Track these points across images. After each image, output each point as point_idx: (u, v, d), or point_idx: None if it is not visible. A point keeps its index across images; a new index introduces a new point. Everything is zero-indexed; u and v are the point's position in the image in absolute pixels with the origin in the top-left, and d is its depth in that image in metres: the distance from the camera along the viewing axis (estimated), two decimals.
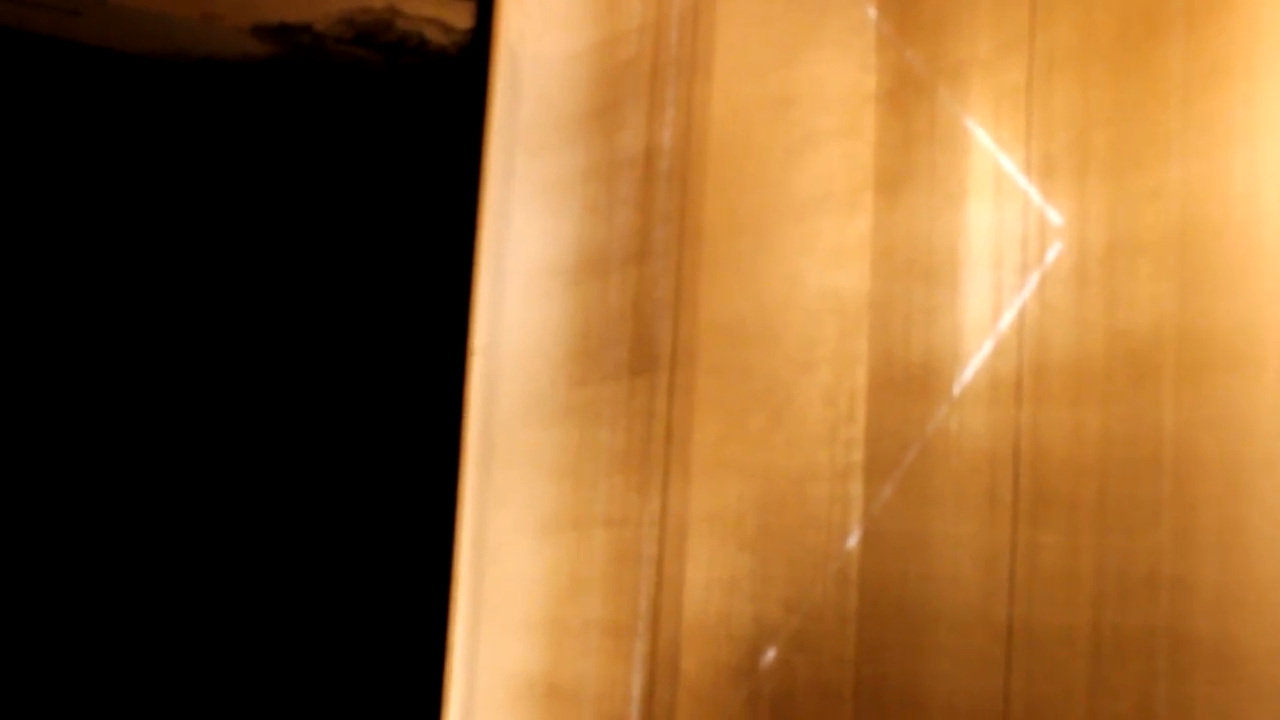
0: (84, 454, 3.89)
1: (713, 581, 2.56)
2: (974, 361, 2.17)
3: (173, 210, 3.95)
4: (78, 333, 3.88)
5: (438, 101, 3.66)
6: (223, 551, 3.96)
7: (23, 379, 3.81)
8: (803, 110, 2.54)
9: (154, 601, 3.91)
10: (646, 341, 2.79)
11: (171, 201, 3.96)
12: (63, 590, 3.83)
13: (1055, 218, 2.09)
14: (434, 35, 3.39)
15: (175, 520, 3.94)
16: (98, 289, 3.89)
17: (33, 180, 3.83)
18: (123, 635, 3.88)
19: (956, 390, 2.17)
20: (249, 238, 4.02)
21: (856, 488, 2.31)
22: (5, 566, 3.73)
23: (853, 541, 2.31)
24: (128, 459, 3.92)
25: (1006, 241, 2.15)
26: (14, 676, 3.73)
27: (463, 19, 3.38)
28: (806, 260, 2.48)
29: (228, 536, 3.97)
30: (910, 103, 2.33)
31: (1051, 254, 2.08)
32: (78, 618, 3.84)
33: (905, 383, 2.26)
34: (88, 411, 3.89)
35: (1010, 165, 2.17)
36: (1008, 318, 2.13)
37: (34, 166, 3.84)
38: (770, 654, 2.42)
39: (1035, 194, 2.12)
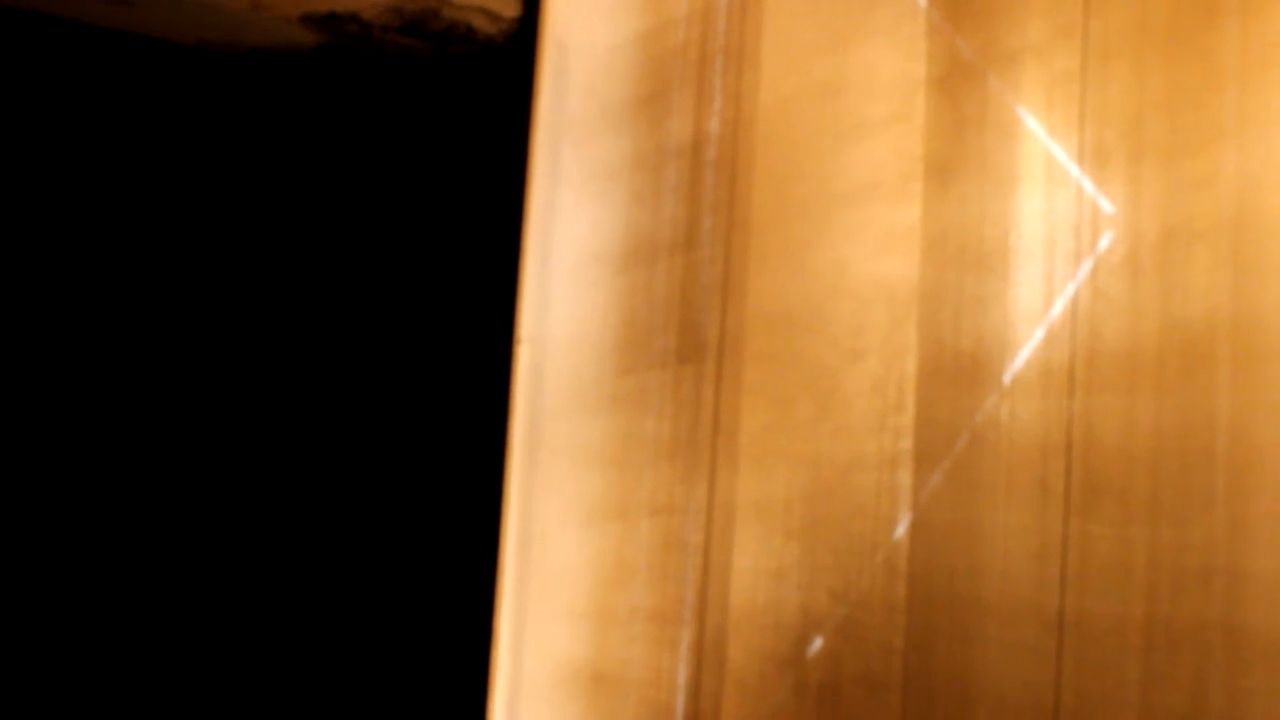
0: (140, 446, 3.92)
1: (759, 570, 2.55)
2: (1025, 350, 2.15)
3: (223, 201, 3.97)
4: (129, 324, 3.91)
5: (485, 90, 3.66)
6: (273, 540, 3.99)
7: (65, 372, 3.85)
8: (852, 98, 2.53)
9: (209, 587, 3.94)
10: (693, 330, 2.79)
11: (222, 192, 3.98)
12: (104, 588, 3.87)
13: (1107, 206, 2.07)
14: (481, 24, 3.40)
15: (229, 509, 3.97)
16: (152, 280, 3.92)
17: (86, 171, 3.86)
18: (187, 613, 3.91)
19: (1007, 379, 2.16)
20: (298, 227, 4.04)
21: (905, 477, 2.30)
22: (43, 567, 3.77)
23: (901, 531, 2.29)
24: (183, 452, 3.95)
25: (1058, 229, 2.13)
26: (49, 679, 3.76)
27: (510, 7, 3.38)
28: (855, 248, 2.47)
29: (278, 526, 3.99)
30: (961, 90, 2.31)
31: (1104, 242, 2.07)
32: (126, 611, 3.87)
33: (955, 372, 2.25)
34: (144, 402, 3.92)
35: (1062, 153, 2.15)
36: (1059, 306, 2.11)
37: (87, 157, 3.87)
38: (817, 643, 2.42)
39: (1087, 182, 2.10)
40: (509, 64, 3.46)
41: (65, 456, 3.85)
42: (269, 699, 3.95)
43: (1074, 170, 2.13)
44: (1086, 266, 2.08)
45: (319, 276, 4.07)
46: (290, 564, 3.99)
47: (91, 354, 3.89)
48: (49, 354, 3.84)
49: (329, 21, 3.33)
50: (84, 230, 3.88)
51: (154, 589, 3.89)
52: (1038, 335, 2.13)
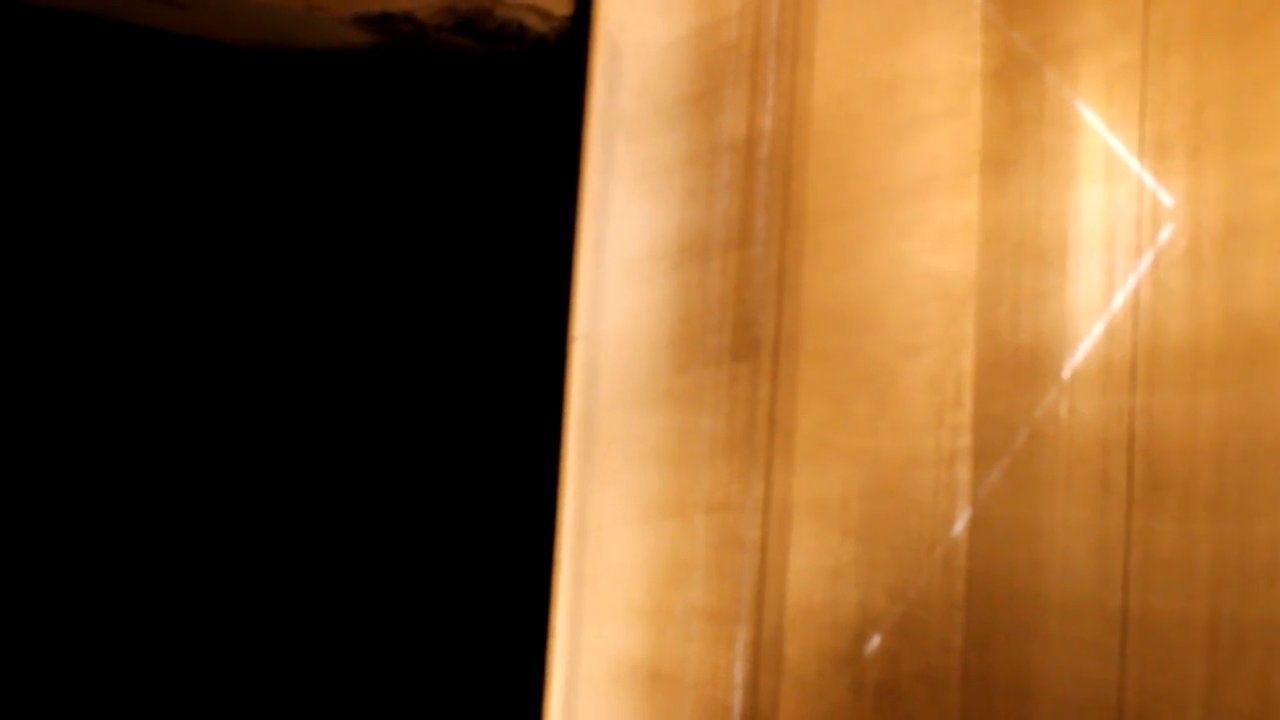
0: (202, 443, 3.94)
1: (817, 568, 2.54)
2: (1084, 345, 2.13)
3: (281, 202, 4.00)
4: (193, 325, 3.94)
5: (537, 89, 3.67)
6: (332, 538, 4.01)
7: (130, 362, 3.88)
8: (907, 93, 2.51)
9: (269, 584, 3.96)
10: (748, 326, 2.78)
11: (279, 193, 4.00)
12: (164, 584, 3.89)
13: (1167, 199, 2.05)
14: (533, 23, 3.40)
15: (290, 503, 3.99)
16: (214, 282, 3.95)
17: (144, 174, 3.89)
18: (247, 610, 3.93)
19: (1067, 374, 2.14)
20: (355, 227, 4.05)
21: (963, 473, 2.29)
22: (80, 566, 3.80)
23: (960, 528, 2.28)
24: (248, 445, 3.97)
25: (1118, 223, 2.11)
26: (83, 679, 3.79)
27: (562, 6, 3.38)
28: (911, 244, 2.46)
29: (337, 524, 4.01)
30: (1018, 83, 2.29)
31: (1164, 235, 2.04)
32: (186, 609, 3.90)
33: (1014, 367, 2.23)
34: (206, 404, 3.95)
35: (1121, 146, 2.13)
36: (1119, 301, 2.09)
37: (145, 161, 3.90)
38: (875, 641, 2.41)
39: (1147, 175, 2.08)
40: (561, 62, 3.46)
41: (120, 454, 3.88)
42: (329, 696, 3.97)
43: (1134, 164, 2.11)
44: (1147, 260, 2.06)
45: (377, 276, 4.08)
46: (349, 562, 4.01)
47: (148, 355, 3.92)
48: (119, 353, 3.88)
49: (382, 22, 3.34)
50: (145, 232, 3.91)
51: (208, 589, 3.92)
52: (1097, 330, 2.11)
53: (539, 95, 3.69)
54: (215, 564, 3.93)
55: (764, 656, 2.63)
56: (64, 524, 3.79)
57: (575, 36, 3.40)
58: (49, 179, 3.84)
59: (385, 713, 3.98)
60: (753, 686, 2.65)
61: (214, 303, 3.97)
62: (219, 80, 3.87)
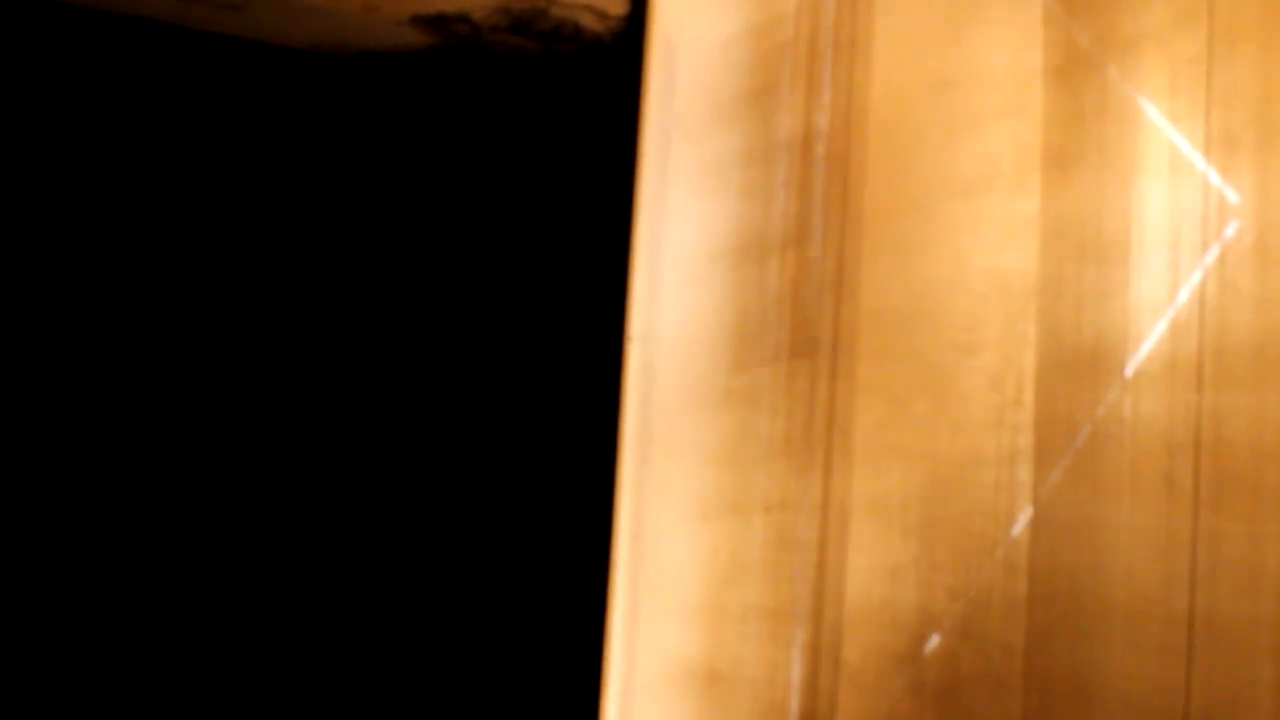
0: (264, 445, 3.97)
1: (875, 568, 2.52)
2: (1148, 344, 2.10)
3: (337, 202, 4.01)
4: (257, 325, 3.96)
5: (593, 89, 3.67)
6: (390, 537, 4.02)
7: (198, 360, 3.90)
8: (966, 89, 2.49)
9: (329, 584, 3.98)
10: (806, 326, 2.77)
11: (337, 193, 4.02)
12: (222, 581, 3.92)
13: (1233, 195, 2.02)
14: (589, 22, 3.40)
15: (348, 505, 4.01)
16: (272, 283, 3.97)
17: (200, 176, 3.92)
18: (305, 612, 3.95)
19: (1130, 373, 2.11)
20: (410, 227, 4.07)
21: (1025, 473, 2.26)
22: (124, 566, 3.82)
23: (1021, 528, 2.26)
24: (307, 447, 3.99)
25: (1183, 220, 2.09)
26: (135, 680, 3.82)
27: (617, 5, 3.38)
28: (971, 242, 2.44)
29: (395, 523, 4.03)
30: (1079, 79, 2.27)
31: (1230, 232, 2.02)
32: (245, 608, 3.92)
33: (1075, 366, 2.21)
34: (264, 401, 3.98)
35: (1185, 141, 2.10)
36: (1184, 299, 2.06)
37: (200, 163, 3.92)
38: (935, 641, 2.39)
39: (1212, 171, 2.05)
40: (616, 62, 3.46)
41: (180, 452, 3.91)
42: (388, 698, 3.98)
43: (1198, 159, 2.08)
44: (1212, 257, 2.03)
45: (435, 277, 4.10)
46: (408, 563, 4.02)
47: (221, 351, 3.94)
48: (174, 350, 3.91)
49: (438, 22, 3.35)
50: (205, 234, 3.94)
51: (271, 589, 3.95)
52: (1161, 328, 2.09)
53: (595, 95, 3.69)
54: (268, 568, 3.96)
55: (822, 656, 2.61)
56: (105, 523, 3.83)
57: (630, 36, 3.40)
58: (108, 182, 3.87)
59: (449, 711, 3.99)
60: (811, 686, 2.64)
61: (276, 305, 4.00)
62: (275, 83, 3.89)
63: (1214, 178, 2.05)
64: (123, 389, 3.87)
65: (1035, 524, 2.23)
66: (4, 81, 3.79)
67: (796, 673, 2.69)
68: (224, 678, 3.88)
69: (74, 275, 3.84)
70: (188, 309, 3.91)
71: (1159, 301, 2.10)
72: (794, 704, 2.69)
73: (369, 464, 4.04)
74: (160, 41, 3.83)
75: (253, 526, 3.94)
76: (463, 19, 3.35)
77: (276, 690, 3.92)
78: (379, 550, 4.01)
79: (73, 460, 3.60)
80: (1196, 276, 2.05)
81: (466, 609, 4.02)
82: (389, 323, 4.07)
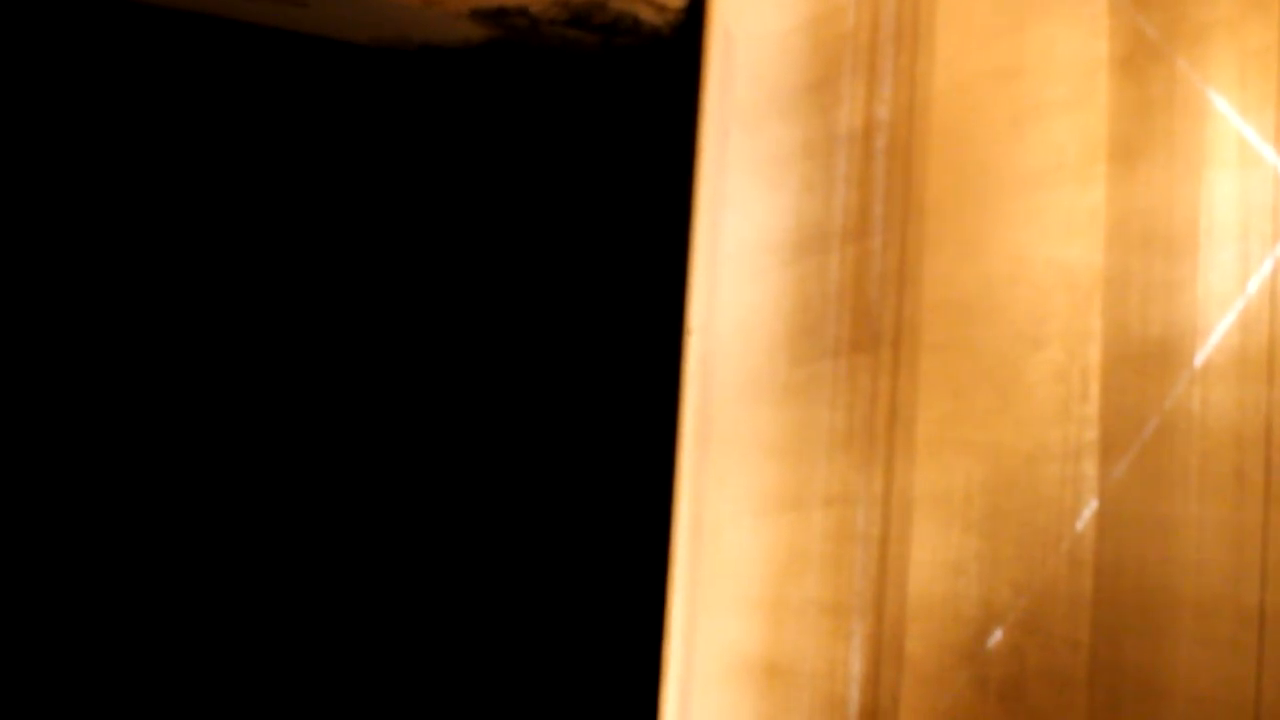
0: (325, 439, 3.99)
1: (938, 563, 2.51)
2: (1216, 337, 2.08)
3: (400, 195, 4.03)
4: (312, 320, 3.99)
5: (651, 82, 3.67)
6: (452, 531, 4.04)
7: (261, 355, 3.93)
8: (1030, 80, 2.47)
9: (388, 576, 4.01)
10: (868, 319, 2.76)
11: (400, 187, 4.04)
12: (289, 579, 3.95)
13: None
14: (647, 15, 3.40)
15: (412, 496, 4.03)
16: (334, 278, 3.99)
17: (263, 173, 3.94)
18: (361, 607, 3.98)
19: (1199, 366, 2.09)
20: (469, 221, 4.08)
21: (1090, 467, 2.25)
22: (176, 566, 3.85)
23: (1086, 523, 2.24)
24: (366, 446, 4.02)
25: (1251, 211, 2.06)
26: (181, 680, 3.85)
27: None
28: (1034, 234, 2.42)
29: (456, 516, 4.04)
30: (1145, 69, 2.25)
31: None
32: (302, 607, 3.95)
33: (1142, 359, 2.19)
34: (329, 393, 4.00)
35: (1254, 133, 2.08)
36: (1254, 291, 2.04)
37: (263, 159, 3.95)
38: (999, 636, 2.37)
39: None
40: (675, 54, 3.46)
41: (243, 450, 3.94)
42: (446, 690, 4.00)
43: (1268, 151, 2.06)
44: None
45: (494, 270, 4.11)
46: (464, 555, 4.04)
47: (282, 348, 3.97)
48: (252, 349, 3.94)
49: (498, 16, 3.35)
50: (264, 230, 3.97)
51: (325, 584, 3.97)
52: (1230, 320, 2.07)
53: (653, 88, 3.69)
54: (337, 557, 3.98)
55: (884, 650, 2.60)
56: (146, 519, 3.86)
57: (689, 28, 3.39)
58: (170, 178, 3.91)
59: (506, 707, 4.00)
60: (873, 680, 2.63)
61: (337, 301, 4.02)
62: (337, 77, 3.91)
63: None
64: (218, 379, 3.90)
65: (1101, 518, 2.21)
66: (63, 77, 3.83)
67: (857, 666, 2.68)
68: (271, 679, 3.91)
69: (133, 270, 3.88)
70: (249, 306, 3.94)
71: (1228, 294, 2.07)
72: (854, 697, 2.68)
73: (434, 454, 4.05)
74: (221, 38, 3.86)
75: (318, 519, 3.97)
76: (522, 12, 3.35)
77: (320, 689, 3.95)
78: (444, 542, 4.03)
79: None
80: (1267, 268, 2.03)
81: (527, 603, 4.03)
82: (452, 316, 4.09)
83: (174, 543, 3.79)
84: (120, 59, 3.85)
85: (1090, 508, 2.23)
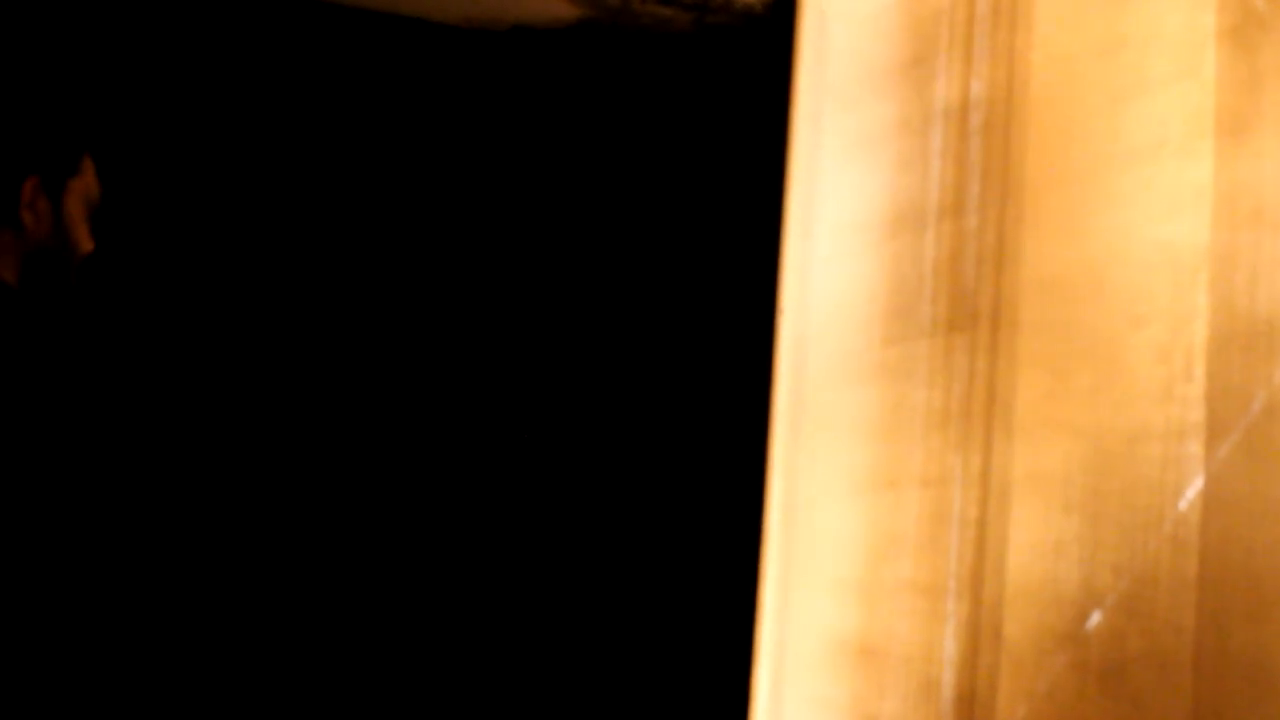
0: (440, 413, 4.01)
1: (1036, 544, 2.48)
2: None
3: (496, 176, 4.04)
4: (416, 299, 4.00)
5: (744, 59, 3.65)
6: (546, 511, 4.05)
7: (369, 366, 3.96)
8: (1133, 54, 2.43)
9: (492, 553, 4.03)
10: (964, 298, 2.72)
11: (490, 169, 4.05)
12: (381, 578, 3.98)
13: None
14: None
15: (508, 478, 4.04)
16: (421, 260, 4.01)
17: (358, 154, 3.96)
18: (455, 606, 4.00)
19: None
20: (564, 201, 4.08)
21: (1195, 448, 2.20)
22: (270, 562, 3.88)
23: (1191, 504, 2.20)
24: (475, 424, 4.03)
25: None
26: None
27: None
28: (1137, 211, 2.37)
29: (550, 497, 4.06)
30: (1255, 40, 2.19)
31: None
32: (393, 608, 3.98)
33: (1250, 338, 2.14)
34: (442, 371, 4.02)
35: None
36: None
37: (357, 140, 3.97)
38: (1099, 620, 2.34)
39: None
40: (768, 32, 3.43)
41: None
42: (537, 671, 4.02)
43: None
44: None
45: (588, 252, 4.11)
46: (563, 536, 4.05)
47: (398, 342, 4.00)
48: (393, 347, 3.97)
49: None
50: (361, 214, 3.99)
51: (418, 569, 4.00)
52: None
53: (745, 66, 3.67)
54: (434, 538, 4.01)
55: (982, 633, 2.58)
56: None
57: (782, 5, 3.37)
58: (263, 164, 3.94)
59: (594, 687, 4.01)
60: (969, 663, 2.60)
61: (434, 282, 4.04)
62: (429, 58, 3.92)
63: None
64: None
65: (1206, 500, 2.17)
66: (166, 62, 3.87)
67: (952, 649, 2.66)
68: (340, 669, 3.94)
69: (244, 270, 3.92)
70: (362, 296, 3.97)
71: None
72: (950, 680, 2.66)
73: (530, 435, 4.07)
74: (313, 19, 3.89)
75: (424, 501, 4.00)
76: None
77: (423, 679, 3.98)
78: (539, 522, 4.05)
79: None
80: None
81: (619, 585, 4.04)
82: (549, 295, 4.09)
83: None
84: (213, 43, 3.88)
85: (1194, 488, 2.19)
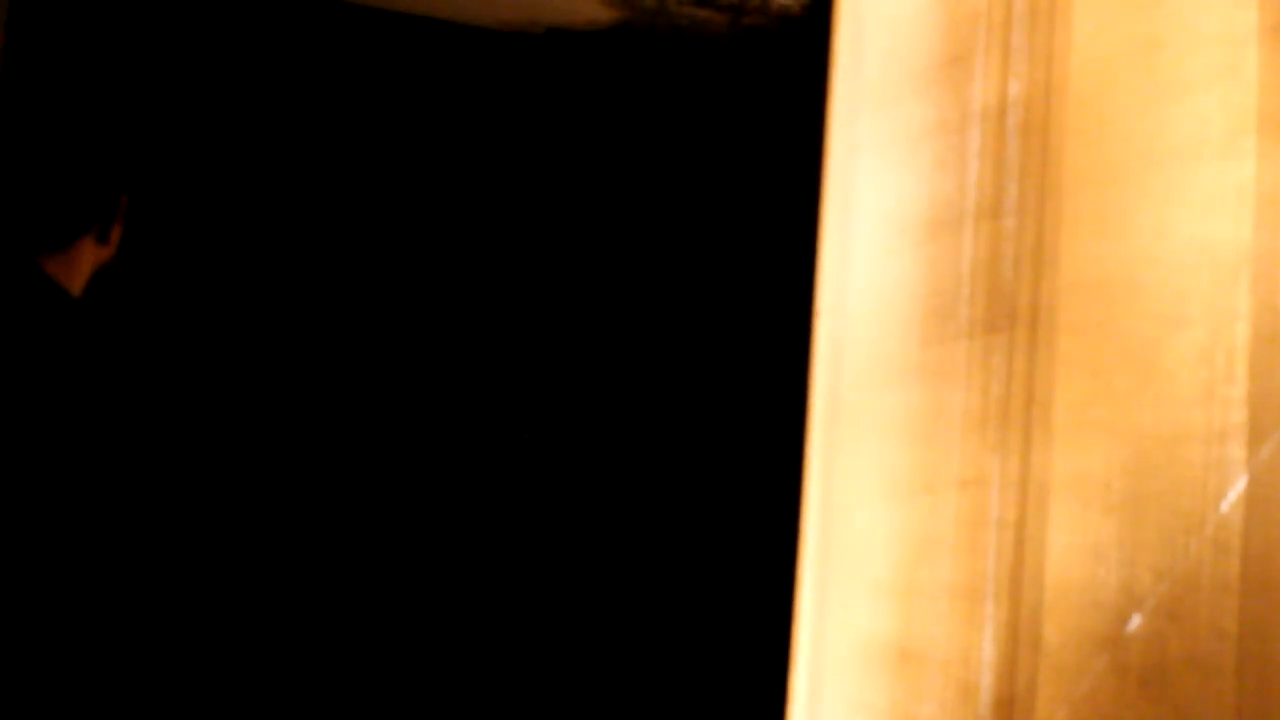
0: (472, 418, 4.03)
1: (1076, 547, 2.46)
2: None
3: (535, 179, 4.05)
4: (434, 300, 4.02)
5: (780, 61, 3.64)
6: (587, 515, 4.06)
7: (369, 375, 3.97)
8: (1172, 53, 2.41)
9: (528, 557, 4.03)
10: (1002, 299, 2.71)
11: (525, 171, 4.05)
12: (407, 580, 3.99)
13: None
14: None
15: (557, 483, 4.05)
16: (457, 271, 4.02)
17: (392, 158, 3.98)
18: (492, 609, 4.01)
19: None
20: (601, 202, 4.08)
21: (1237, 450, 2.18)
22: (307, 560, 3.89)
23: (1233, 507, 2.18)
24: (520, 422, 4.04)
25: None
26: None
27: None
28: (1176, 211, 2.35)
29: (591, 501, 4.06)
30: None
31: None
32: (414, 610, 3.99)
33: None
34: (466, 373, 4.03)
35: None
36: None
37: (390, 144, 3.98)
38: (1139, 623, 2.32)
39: None
40: (804, 33, 3.42)
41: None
42: (576, 673, 4.02)
43: None
44: None
45: (625, 253, 4.11)
46: (603, 539, 4.05)
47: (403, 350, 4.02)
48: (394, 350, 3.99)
49: None
50: (394, 217, 4.00)
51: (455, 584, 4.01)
52: None
53: (782, 67, 3.66)
54: (476, 542, 4.02)
55: (1021, 637, 2.56)
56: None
57: (818, 6, 3.36)
58: (297, 163, 3.96)
59: (634, 688, 4.01)
60: (1008, 667, 2.59)
61: (466, 284, 4.05)
62: (465, 60, 3.93)
63: None
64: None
65: (1249, 502, 2.15)
66: (196, 62, 3.89)
67: (991, 653, 2.64)
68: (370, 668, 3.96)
69: (249, 271, 3.94)
70: (380, 299, 3.98)
71: None
72: (988, 684, 2.64)
73: (567, 439, 4.07)
74: (347, 22, 3.90)
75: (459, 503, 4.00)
76: None
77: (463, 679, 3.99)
78: (578, 525, 4.05)
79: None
80: None
81: (658, 588, 4.04)
82: (586, 296, 4.10)
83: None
84: (245, 45, 3.90)
85: (1236, 490, 2.17)
